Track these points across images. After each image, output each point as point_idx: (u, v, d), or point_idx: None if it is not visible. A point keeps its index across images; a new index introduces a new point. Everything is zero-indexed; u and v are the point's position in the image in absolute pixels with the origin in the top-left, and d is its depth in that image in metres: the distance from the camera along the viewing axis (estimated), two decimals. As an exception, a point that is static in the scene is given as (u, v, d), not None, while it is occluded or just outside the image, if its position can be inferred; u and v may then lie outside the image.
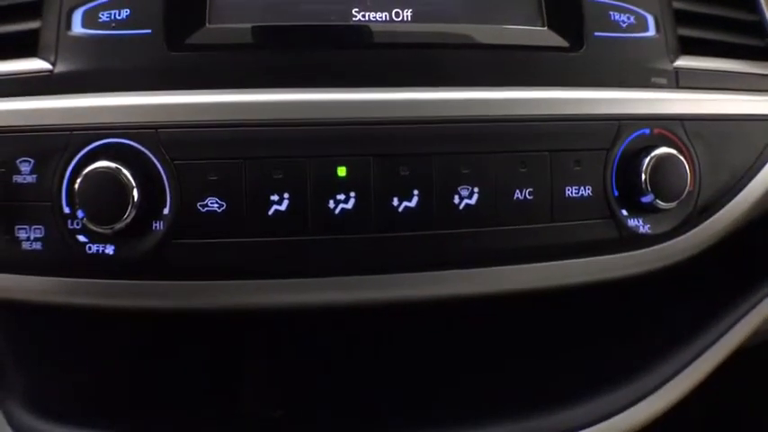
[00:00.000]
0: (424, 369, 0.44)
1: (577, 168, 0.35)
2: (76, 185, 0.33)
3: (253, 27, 0.35)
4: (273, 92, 0.34)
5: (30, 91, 0.36)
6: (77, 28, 0.36)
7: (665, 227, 0.37)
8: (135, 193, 0.33)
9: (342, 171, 0.34)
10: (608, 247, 0.36)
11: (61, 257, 0.35)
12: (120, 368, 0.42)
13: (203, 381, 0.42)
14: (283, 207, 0.33)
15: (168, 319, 0.39)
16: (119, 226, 0.33)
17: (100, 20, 0.36)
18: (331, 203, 0.33)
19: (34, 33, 0.37)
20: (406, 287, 0.34)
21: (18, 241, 0.35)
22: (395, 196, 0.34)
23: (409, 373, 0.44)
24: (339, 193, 0.33)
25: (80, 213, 0.33)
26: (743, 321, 0.41)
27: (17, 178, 0.35)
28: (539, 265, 0.36)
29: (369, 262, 0.34)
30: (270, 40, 0.35)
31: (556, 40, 0.36)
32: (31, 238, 0.35)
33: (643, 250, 0.37)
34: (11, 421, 0.40)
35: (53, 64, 0.36)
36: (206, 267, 0.34)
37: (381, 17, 0.36)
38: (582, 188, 0.35)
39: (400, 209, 0.34)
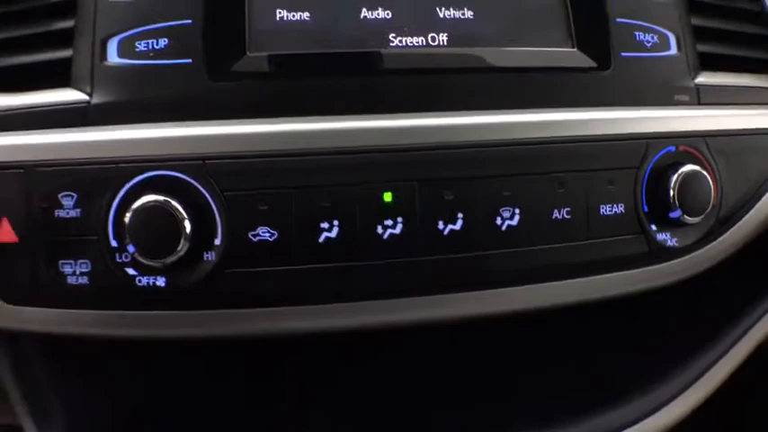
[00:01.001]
0: (452, 380, 0.45)
1: (610, 187, 0.37)
2: (126, 220, 0.33)
3: (293, 55, 0.36)
4: (317, 120, 0.35)
5: (66, 123, 0.36)
6: (113, 58, 0.36)
7: (690, 239, 0.39)
8: (186, 225, 0.33)
9: (388, 197, 0.34)
10: (637, 261, 0.38)
11: (110, 291, 0.35)
12: (161, 395, 0.42)
13: (242, 405, 0.43)
14: (333, 234, 0.34)
15: (206, 346, 0.40)
16: (171, 259, 0.33)
17: (137, 49, 0.36)
18: (379, 229, 0.34)
19: (65, 62, 0.37)
20: (453, 307, 0.35)
21: (63, 276, 0.35)
22: (440, 220, 0.34)
23: (439, 385, 0.45)
24: (387, 219, 0.34)
25: (131, 248, 0.33)
26: (758, 324, 0.43)
27: (60, 213, 0.35)
28: (574, 281, 0.37)
29: (416, 284, 0.35)
30: (310, 67, 0.36)
31: (585, 60, 0.38)
32: (77, 272, 0.35)
33: (670, 262, 0.39)
34: None
35: (89, 95, 0.36)
36: (258, 295, 0.34)
37: (418, 42, 0.37)
38: (615, 206, 0.37)
39: (445, 232, 0.35)
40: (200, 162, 0.34)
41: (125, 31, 0.36)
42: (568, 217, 0.36)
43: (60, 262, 0.35)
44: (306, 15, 0.36)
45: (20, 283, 0.36)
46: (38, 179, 0.35)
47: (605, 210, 0.37)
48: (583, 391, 0.45)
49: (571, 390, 0.45)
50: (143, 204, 0.33)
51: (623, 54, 0.38)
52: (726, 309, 0.44)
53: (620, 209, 0.37)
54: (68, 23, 0.38)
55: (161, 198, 0.33)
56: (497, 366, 0.47)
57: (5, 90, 0.38)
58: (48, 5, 0.38)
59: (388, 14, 0.36)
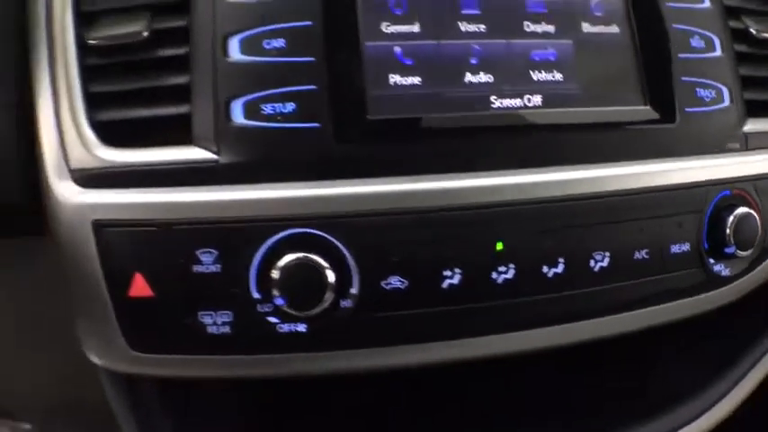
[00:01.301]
0: (505, 395, 0.50)
1: (680, 229, 0.42)
2: (275, 276, 0.36)
3: (411, 118, 0.39)
4: (436, 178, 0.38)
5: (195, 181, 0.38)
6: (239, 119, 0.38)
7: (739, 268, 0.45)
8: (330, 278, 0.36)
9: (500, 246, 0.39)
10: (696, 290, 0.44)
11: (251, 338, 0.38)
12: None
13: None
14: (456, 281, 0.38)
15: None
16: (316, 310, 0.37)
17: (263, 112, 0.38)
18: (494, 275, 0.39)
19: (184, 118, 0.39)
20: (555, 337, 0.41)
21: (202, 326, 0.38)
22: (544, 264, 0.39)
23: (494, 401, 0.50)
24: (501, 266, 0.39)
25: (280, 301, 0.36)
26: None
27: (198, 268, 0.37)
28: (644, 310, 0.42)
29: (526, 320, 0.40)
30: (425, 129, 0.39)
31: (655, 116, 0.43)
32: (218, 322, 0.38)
33: (721, 289, 0.45)
34: None
35: (217, 154, 0.38)
36: (389, 334, 0.38)
37: (517, 104, 0.41)
38: (682, 245, 0.42)
39: (549, 275, 0.39)
40: (337, 220, 0.37)
41: (250, 93, 0.38)
42: (647, 257, 0.41)
43: (199, 313, 0.38)
44: (417, 80, 0.39)
45: (154, 333, 0.39)
46: (175, 237, 0.38)
47: (675, 249, 0.42)
48: (619, 404, 0.51)
49: (607, 402, 0.51)
50: (291, 261, 0.36)
51: (687, 109, 0.43)
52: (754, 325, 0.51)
53: (686, 247, 0.42)
54: (183, 79, 0.39)
55: (308, 255, 0.36)
56: (538, 383, 0.52)
57: (124, 144, 0.40)
58: (161, 59, 0.40)
59: (490, 78, 0.40)
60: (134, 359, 0.39)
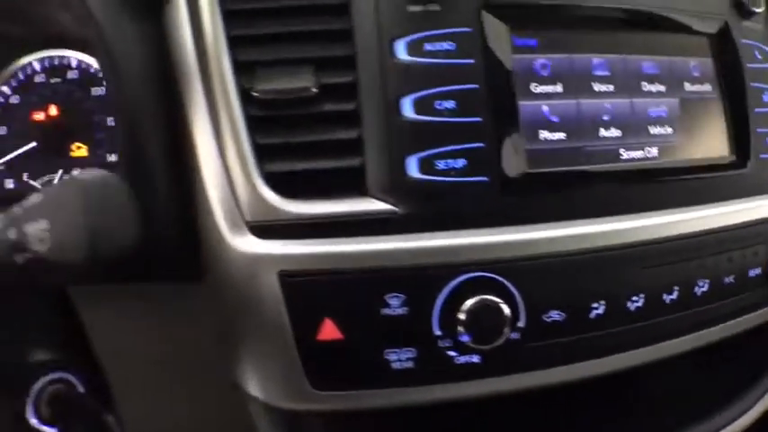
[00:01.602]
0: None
1: (755, 257, 0.50)
2: (461, 316, 0.41)
3: (564, 171, 0.44)
4: (590, 222, 0.44)
5: (373, 230, 0.42)
6: (414, 173, 0.42)
7: None
8: (507, 315, 0.41)
9: (634, 277, 0.45)
10: (762, 305, 0.53)
11: (431, 370, 0.42)
12: None
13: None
14: (601, 311, 0.44)
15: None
16: (496, 344, 0.41)
17: (437, 168, 0.42)
18: (628, 303, 0.45)
19: (356, 171, 0.42)
20: (666, 350, 0.48)
21: (387, 363, 0.42)
22: (664, 293, 0.46)
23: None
24: (634, 296, 0.45)
25: (465, 338, 0.41)
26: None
27: (386, 311, 0.41)
28: (725, 324, 0.50)
29: (650, 338, 0.46)
30: (573, 179, 0.45)
31: (737, 162, 0.51)
32: (402, 359, 0.42)
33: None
34: None
35: (395, 205, 0.42)
36: (546, 360, 0.44)
37: (639, 156, 0.47)
38: (756, 269, 0.51)
39: (667, 301, 0.46)
40: (507, 264, 0.42)
41: (424, 150, 0.42)
42: (733, 281, 0.49)
43: (385, 351, 0.42)
44: (562, 135, 0.45)
45: (338, 372, 0.42)
46: (364, 283, 0.41)
47: (752, 272, 0.50)
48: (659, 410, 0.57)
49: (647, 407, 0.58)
50: (477, 303, 0.41)
51: (762, 156, 0.51)
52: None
53: (758, 270, 0.51)
54: (353, 134, 0.42)
55: (489, 297, 0.41)
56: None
57: (294, 195, 0.42)
58: (329, 113, 0.42)
59: (619, 133, 0.46)
60: (314, 397, 0.42)
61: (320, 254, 0.41)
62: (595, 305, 0.44)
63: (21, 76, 0.63)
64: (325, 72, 0.42)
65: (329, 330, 0.41)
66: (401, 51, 0.42)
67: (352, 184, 0.42)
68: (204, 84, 0.43)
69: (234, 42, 0.43)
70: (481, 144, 0.42)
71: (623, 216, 0.45)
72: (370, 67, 0.42)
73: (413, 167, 0.42)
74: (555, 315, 0.44)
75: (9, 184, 0.62)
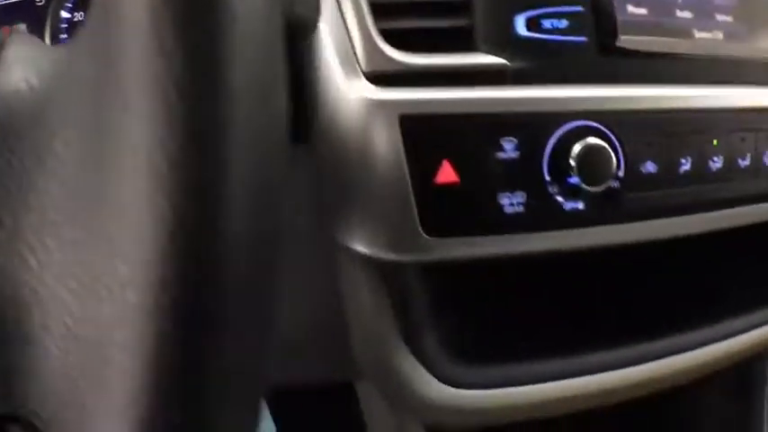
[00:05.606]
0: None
1: None
2: (571, 161, 0.43)
3: (649, 40, 0.48)
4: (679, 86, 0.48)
5: (488, 82, 0.44)
6: (522, 31, 0.45)
7: None
8: (613, 159, 0.44)
9: (715, 142, 0.49)
10: None
11: (540, 216, 0.44)
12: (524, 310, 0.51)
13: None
14: (688, 167, 0.47)
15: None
16: (602, 188, 0.44)
17: (543, 26, 0.45)
18: (710, 163, 0.48)
19: (464, 30, 0.45)
20: (733, 219, 0.51)
21: (500, 207, 0.44)
22: (739, 158, 0.50)
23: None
24: (714, 156, 0.49)
25: (574, 179, 0.44)
26: None
27: (500, 155, 0.44)
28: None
29: (726, 201, 0.50)
30: (657, 50, 0.48)
31: None
32: (514, 203, 0.44)
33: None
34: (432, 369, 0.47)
35: (507, 60, 0.44)
36: (643, 212, 0.47)
37: (709, 37, 0.51)
38: None
39: (742, 166, 0.50)
40: (611, 115, 0.45)
41: (530, 10, 0.45)
42: None
43: (499, 194, 0.44)
44: (644, 11, 0.49)
45: (453, 217, 0.44)
46: (480, 127, 0.43)
47: None
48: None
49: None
50: (584, 148, 0.43)
51: None
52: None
53: None
54: None
55: (596, 141, 0.44)
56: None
57: (407, 50, 0.44)
58: None
59: (690, 15, 0.51)
60: (426, 245, 0.43)
61: (439, 99, 0.43)
62: (683, 161, 0.48)
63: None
64: None
65: (447, 173, 0.43)
66: None
67: (461, 42, 0.45)
68: None
69: None
70: (579, 8, 0.46)
71: (703, 85, 0.50)
72: None
73: (521, 26, 0.45)
74: (650, 167, 0.47)
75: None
